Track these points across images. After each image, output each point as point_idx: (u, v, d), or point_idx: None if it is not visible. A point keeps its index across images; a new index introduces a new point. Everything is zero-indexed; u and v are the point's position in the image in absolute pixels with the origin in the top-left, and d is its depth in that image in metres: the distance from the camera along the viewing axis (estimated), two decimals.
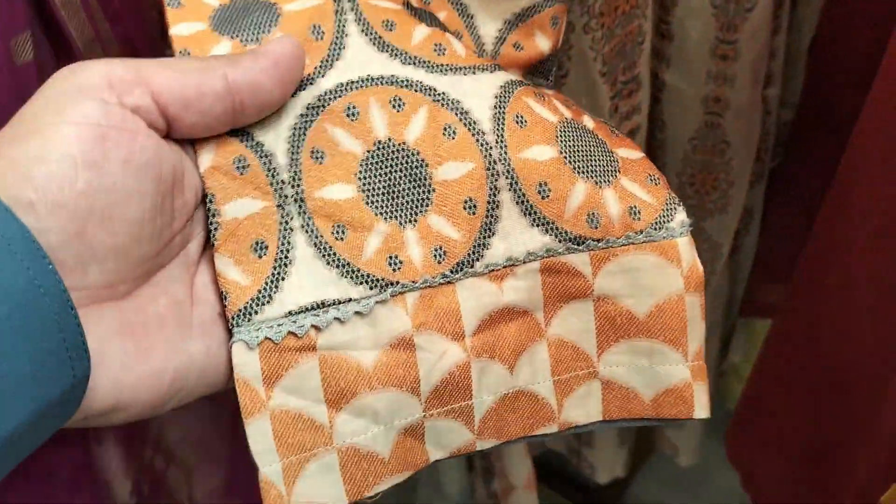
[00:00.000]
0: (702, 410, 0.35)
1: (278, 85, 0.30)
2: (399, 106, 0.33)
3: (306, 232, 0.31)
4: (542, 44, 0.38)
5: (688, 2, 0.57)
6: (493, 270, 0.33)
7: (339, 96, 0.32)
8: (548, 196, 0.33)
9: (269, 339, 0.30)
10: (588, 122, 0.36)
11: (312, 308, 0.31)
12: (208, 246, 0.31)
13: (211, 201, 0.30)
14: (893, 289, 0.51)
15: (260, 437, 0.30)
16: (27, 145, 0.25)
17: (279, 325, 0.30)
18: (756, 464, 0.72)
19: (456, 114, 0.33)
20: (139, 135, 0.27)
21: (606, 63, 0.55)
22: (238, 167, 0.31)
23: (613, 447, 0.85)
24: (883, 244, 0.51)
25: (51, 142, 0.25)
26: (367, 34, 0.33)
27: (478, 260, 0.33)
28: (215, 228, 0.30)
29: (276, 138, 0.31)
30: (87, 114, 0.26)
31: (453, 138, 0.33)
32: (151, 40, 0.42)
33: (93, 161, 0.26)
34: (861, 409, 0.57)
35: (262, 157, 0.31)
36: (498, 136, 0.33)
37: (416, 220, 0.32)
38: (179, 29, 0.32)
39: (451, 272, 0.33)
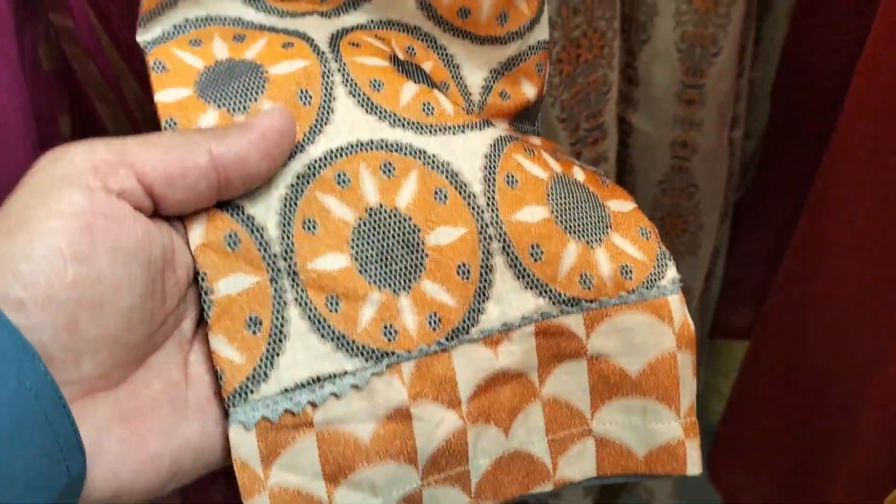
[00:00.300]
0: (694, 467, 0.35)
1: (265, 158, 0.30)
2: (389, 171, 0.32)
3: (300, 305, 0.30)
4: (528, 91, 0.38)
5: (653, 47, 0.57)
6: (487, 336, 0.33)
7: (329, 164, 0.32)
8: (540, 258, 0.33)
9: (266, 418, 0.29)
10: (578, 173, 0.36)
11: (308, 384, 0.30)
12: (202, 323, 0.30)
13: (203, 279, 0.30)
14: (874, 298, 0.52)
15: None
16: (13, 241, 0.25)
17: (275, 404, 0.29)
18: (739, 485, 0.72)
19: (446, 176, 0.33)
20: (126, 221, 0.27)
21: (565, 109, 0.55)
22: (229, 243, 0.30)
23: (578, 498, 0.84)
24: (865, 255, 0.52)
25: (37, 236, 0.25)
26: (354, 96, 0.33)
27: (473, 326, 0.32)
28: (208, 307, 0.30)
29: (266, 210, 0.31)
30: (73, 203, 0.25)
31: (445, 202, 0.32)
32: None
33: (80, 253, 0.25)
34: (840, 425, 0.58)
35: (253, 232, 0.30)
36: (489, 198, 0.33)
37: (409, 287, 0.32)
38: (165, 95, 0.31)
39: (447, 340, 0.32)
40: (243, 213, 0.30)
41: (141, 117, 0.37)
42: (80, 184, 0.26)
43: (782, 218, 0.65)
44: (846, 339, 0.55)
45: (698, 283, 0.70)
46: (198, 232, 0.30)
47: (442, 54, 0.37)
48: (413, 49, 0.36)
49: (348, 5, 0.36)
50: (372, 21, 0.36)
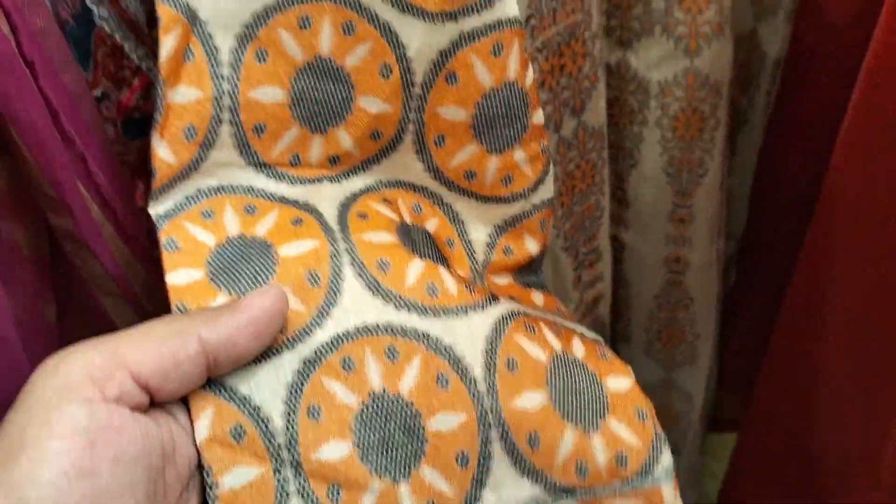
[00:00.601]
0: None
1: (254, 340, 0.30)
2: (393, 356, 0.33)
3: (302, 496, 0.31)
4: (532, 247, 0.39)
5: (641, 172, 0.59)
6: None
7: (336, 349, 0.32)
8: (537, 446, 0.33)
9: None
10: (578, 348, 0.36)
11: None
12: None
13: (208, 474, 0.30)
14: (867, 392, 0.53)
15: None
16: (18, 466, 0.25)
17: None
18: None
19: (448, 361, 0.33)
20: (126, 428, 0.27)
21: (568, 238, 0.56)
22: (235, 436, 0.30)
23: None
24: (853, 342, 0.53)
25: (41, 460, 0.25)
26: (362, 278, 0.33)
27: None
28: (212, 501, 0.30)
29: (273, 399, 0.31)
30: (74, 421, 0.26)
31: (446, 388, 0.33)
32: None
33: (85, 470, 0.25)
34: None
35: (258, 423, 0.31)
36: (489, 384, 0.33)
37: (409, 475, 0.32)
38: (176, 277, 0.32)
39: None
40: (250, 405, 0.31)
41: (150, 304, 0.37)
42: (80, 398, 0.26)
43: (765, 309, 0.66)
44: (838, 423, 0.56)
45: (700, 390, 0.71)
46: (204, 425, 0.30)
47: (447, 211, 0.38)
48: (420, 207, 0.37)
49: (358, 169, 0.37)
50: (381, 182, 0.37)
